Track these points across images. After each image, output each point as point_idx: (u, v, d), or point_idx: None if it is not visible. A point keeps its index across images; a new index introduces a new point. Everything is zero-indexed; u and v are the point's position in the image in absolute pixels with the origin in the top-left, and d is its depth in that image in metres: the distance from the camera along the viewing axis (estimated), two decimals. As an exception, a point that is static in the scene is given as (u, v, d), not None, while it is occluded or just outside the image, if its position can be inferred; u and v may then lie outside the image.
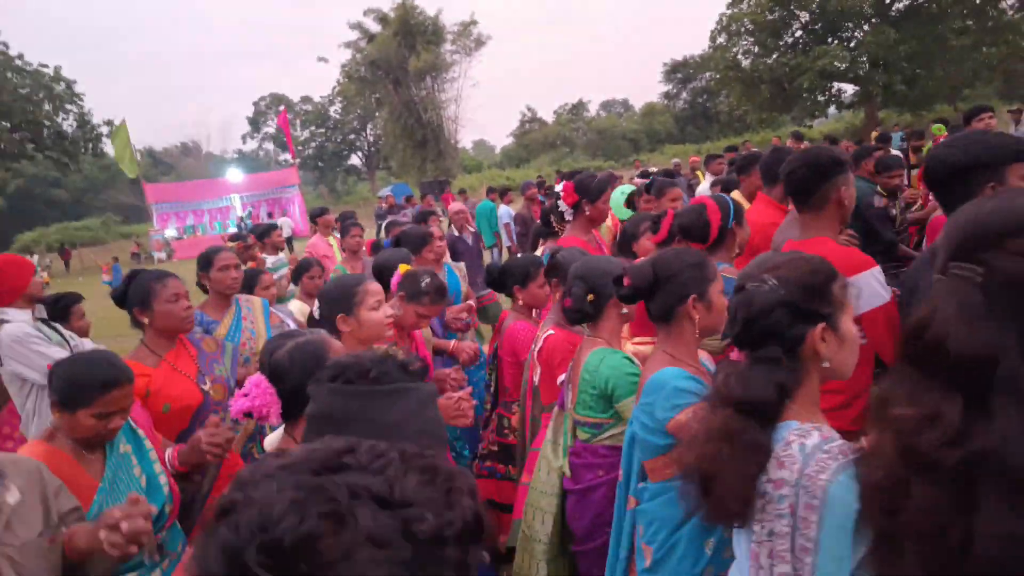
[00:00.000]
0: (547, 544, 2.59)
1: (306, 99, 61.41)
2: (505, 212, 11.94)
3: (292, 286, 5.21)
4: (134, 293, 2.70)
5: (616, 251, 3.60)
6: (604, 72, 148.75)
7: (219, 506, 0.61)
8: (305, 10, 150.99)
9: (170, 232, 32.61)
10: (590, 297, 2.36)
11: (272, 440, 1.95)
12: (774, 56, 31.94)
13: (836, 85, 32.37)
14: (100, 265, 23.04)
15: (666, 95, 58.70)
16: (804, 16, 32.16)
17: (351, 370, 1.18)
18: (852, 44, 31.32)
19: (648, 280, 1.99)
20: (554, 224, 4.13)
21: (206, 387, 2.74)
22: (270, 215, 30.27)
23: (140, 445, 2.17)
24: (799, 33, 32.67)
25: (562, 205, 3.64)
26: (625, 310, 2.41)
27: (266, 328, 3.56)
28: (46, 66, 35.55)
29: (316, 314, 2.43)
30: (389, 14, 42.37)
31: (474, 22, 42.49)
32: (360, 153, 61.51)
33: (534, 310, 3.39)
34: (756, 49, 32.41)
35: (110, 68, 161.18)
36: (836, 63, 29.85)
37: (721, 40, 33.47)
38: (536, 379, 2.91)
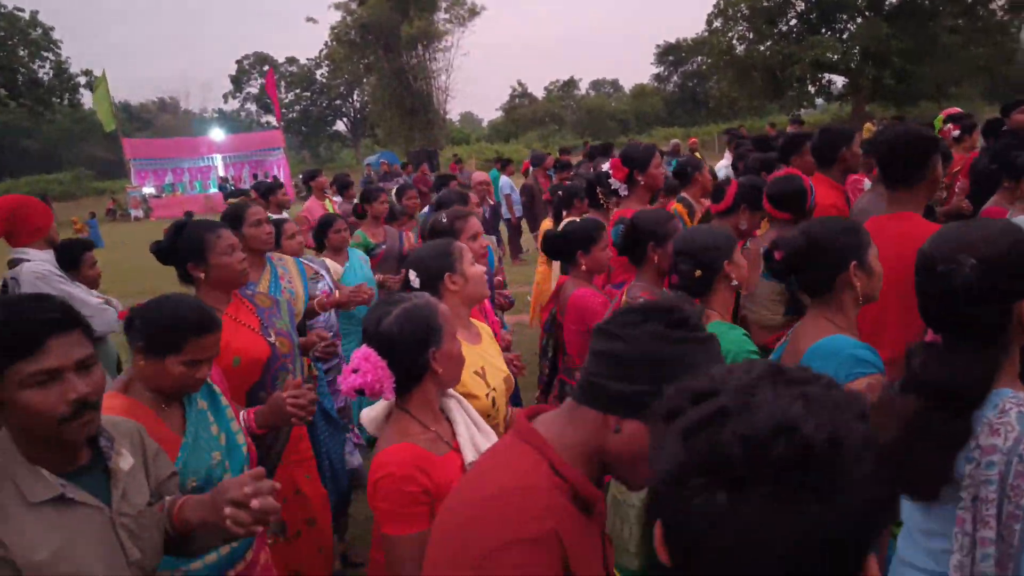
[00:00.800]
0: (639, 508, 2.63)
1: (292, 60, 60.15)
2: (506, 183, 11.84)
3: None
4: (186, 246, 2.51)
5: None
6: (596, 51, 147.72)
7: (692, 398, 0.66)
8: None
9: (148, 189, 31.87)
10: (698, 273, 2.26)
11: (373, 416, 1.81)
12: (768, 43, 32.05)
13: (827, 76, 32.56)
14: (72, 220, 22.39)
15: (657, 77, 58.60)
16: (800, 5, 32.25)
17: (673, 315, 1.11)
18: (845, 36, 31.50)
19: (802, 250, 1.92)
20: (600, 196, 4.15)
21: (272, 339, 2.62)
22: (254, 176, 29.74)
23: (216, 401, 2.05)
24: (794, 22, 32.76)
25: (614, 183, 3.61)
26: (735, 282, 2.33)
27: (303, 285, 3.46)
28: (22, 10, 34.40)
29: (415, 282, 2.26)
30: (383, -23, 41.56)
31: (468, -9, 41.88)
32: (346, 119, 60.54)
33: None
34: (751, 35, 32.46)
35: (88, 17, 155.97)
36: (829, 54, 30.05)
37: (717, 24, 33.43)
38: None
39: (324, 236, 4.48)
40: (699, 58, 51.81)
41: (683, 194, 4.46)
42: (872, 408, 1.45)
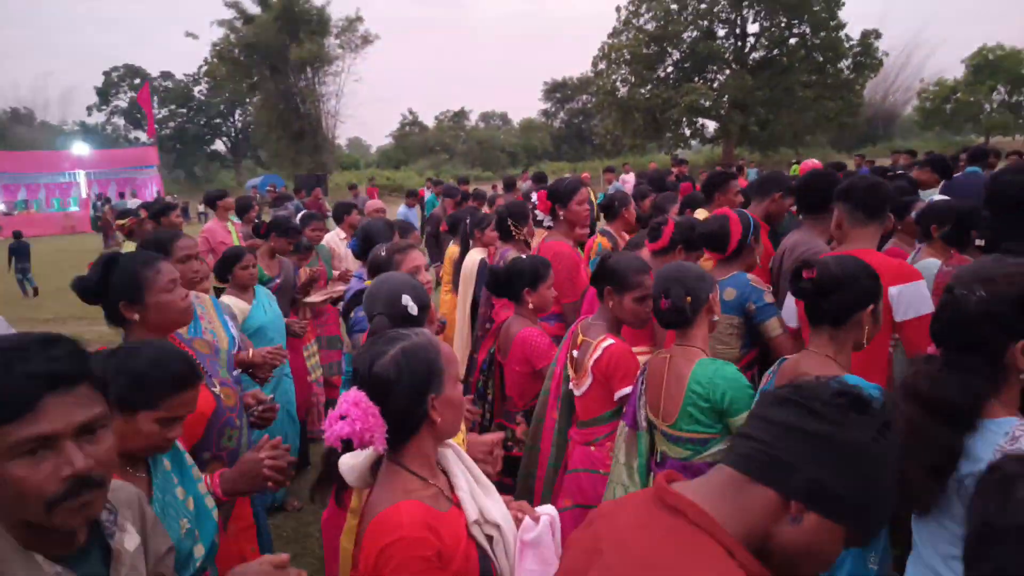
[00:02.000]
0: None
1: (167, 75, 57.00)
2: (401, 212, 11.84)
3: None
4: (119, 283, 2.17)
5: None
6: (485, 84, 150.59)
7: None
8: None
9: (-3, 206, 28.94)
10: (688, 299, 2.27)
11: (354, 464, 1.59)
12: (648, 87, 34.08)
13: (700, 120, 35.04)
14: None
15: (544, 113, 60.57)
16: (676, 54, 34.66)
17: (877, 411, 1.02)
18: (715, 85, 34.10)
19: (836, 278, 1.93)
20: (511, 226, 4.28)
21: (216, 390, 2.32)
22: (121, 195, 27.70)
23: (182, 461, 1.82)
24: (671, 69, 35.12)
25: (539, 214, 3.72)
26: (716, 317, 2.36)
27: (223, 326, 3.19)
28: None
29: (412, 309, 2.19)
30: (271, -2, 40.56)
31: (359, 18, 41.65)
32: (226, 139, 57.97)
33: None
34: (633, 79, 34.36)
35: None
36: (702, 100, 32.42)
37: (602, 66, 35.17)
38: (576, 390, 2.76)
39: (229, 271, 4.01)
40: (584, 96, 54.25)
41: (607, 227, 4.52)
42: None
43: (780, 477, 0.99)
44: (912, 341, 2.45)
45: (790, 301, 2.87)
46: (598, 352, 2.63)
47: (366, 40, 41.94)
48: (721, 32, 34.41)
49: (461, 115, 63.95)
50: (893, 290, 2.44)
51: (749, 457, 1.03)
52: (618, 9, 34.58)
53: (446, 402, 1.51)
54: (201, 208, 23.32)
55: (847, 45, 32.35)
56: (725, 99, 32.79)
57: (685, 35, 33.85)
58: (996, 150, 9.14)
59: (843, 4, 31.82)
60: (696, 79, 33.80)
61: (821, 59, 32.54)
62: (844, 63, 32.82)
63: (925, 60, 79.86)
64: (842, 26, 32.12)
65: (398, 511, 1.40)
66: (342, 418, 1.43)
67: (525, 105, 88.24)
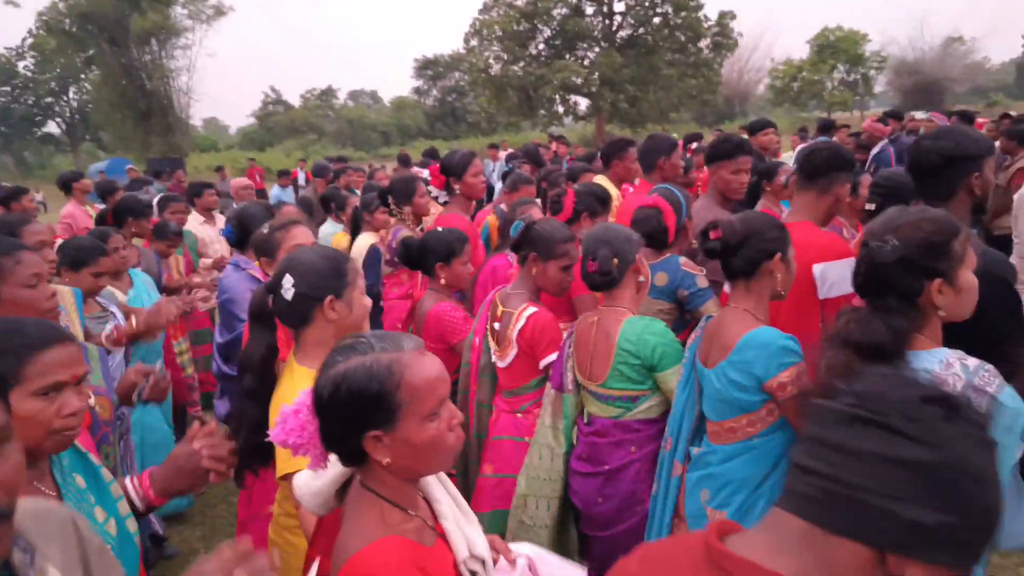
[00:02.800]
0: (551, 529, 2.52)
1: (-16, 48, 50.21)
2: (275, 194, 11.08)
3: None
4: None
5: (500, 239, 3.62)
6: (354, 62, 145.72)
7: None
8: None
9: None
10: (615, 261, 2.31)
11: (316, 489, 1.36)
12: (521, 65, 34.15)
13: (573, 97, 35.62)
14: None
15: (417, 91, 59.38)
16: (546, 31, 34.92)
17: (971, 407, 0.81)
18: (586, 63, 34.73)
19: (738, 234, 2.04)
20: (392, 204, 4.10)
21: (90, 401, 1.95)
22: (-66, 186, 24.15)
23: (97, 476, 1.51)
24: (542, 46, 35.36)
25: (434, 190, 3.64)
26: (643, 278, 2.40)
27: (80, 321, 2.78)
28: None
29: (287, 292, 1.83)
30: (106, -38, 36.51)
31: (211, -13, 38.54)
32: (59, 120, 52.05)
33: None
34: (505, 56, 34.29)
35: None
36: (574, 78, 32.91)
37: (474, 43, 34.82)
38: (500, 362, 2.72)
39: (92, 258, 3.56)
40: (457, 74, 53.63)
41: (500, 205, 4.44)
42: (805, 371, 1.86)
43: (868, 526, 0.76)
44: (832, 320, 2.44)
45: None
46: (521, 321, 2.63)
47: (219, 12, 38.94)
48: (589, 10, 34.95)
49: (329, 93, 61.53)
50: (817, 268, 2.41)
51: (819, 501, 0.80)
52: (488, -16, 34.28)
53: (401, 441, 1.21)
54: (39, 196, 20.75)
55: (706, 26, 33.92)
56: (596, 76, 33.47)
57: (555, 12, 34.08)
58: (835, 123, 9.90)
59: (701, -15, 33.36)
60: (567, 56, 34.23)
61: (683, 39, 33.97)
62: (704, 43, 34.45)
63: (775, 41, 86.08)
64: (700, 7, 33.64)
65: (381, 550, 1.18)
66: (282, 423, 1.26)
67: (396, 83, 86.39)
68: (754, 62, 49.45)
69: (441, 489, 1.39)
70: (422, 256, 3.08)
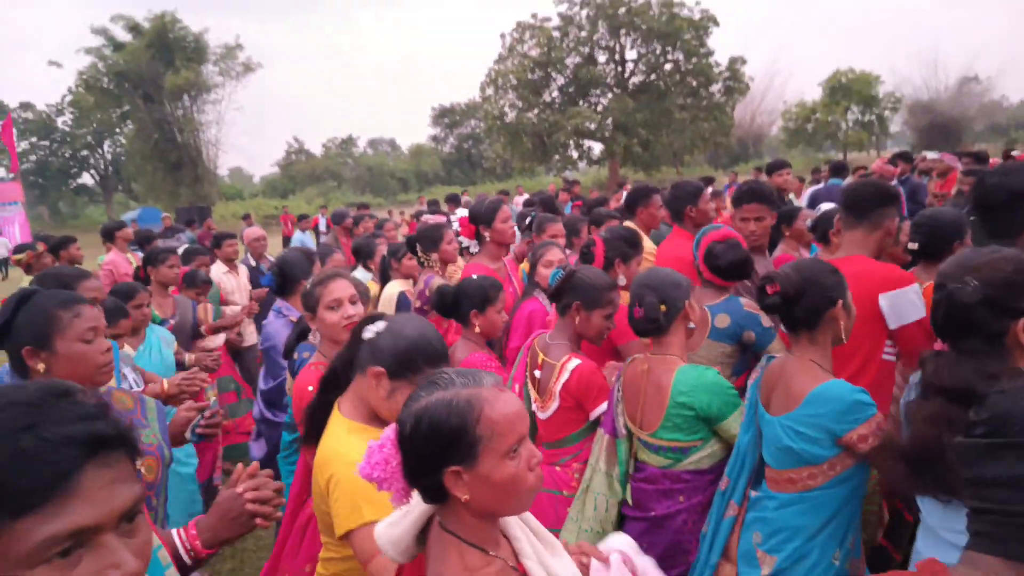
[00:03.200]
0: None
1: (26, 105, 52.47)
2: (297, 239, 11.41)
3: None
4: (27, 324, 1.86)
5: (527, 283, 3.61)
6: (372, 111, 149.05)
7: None
8: (20, 7, 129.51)
9: None
10: (663, 307, 2.25)
11: (395, 537, 1.31)
12: (535, 112, 34.97)
13: (586, 142, 36.32)
14: None
15: (434, 138, 60.77)
16: (560, 79, 35.85)
17: None
18: (599, 108, 35.51)
19: (797, 285, 2.00)
20: (420, 255, 4.17)
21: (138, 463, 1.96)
22: (-24, 236, 25.04)
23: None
24: (556, 94, 36.26)
25: (465, 240, 3.67)
26: (692, 324, 2.33)
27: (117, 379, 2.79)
28: None
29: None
30: (142, 23, 38.38)
31: (239, 46, 40.29)
32: (94, 172, 53.93)
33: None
34: (520, 104, 35.17)
35: None
36: (587, 123, 33.62)
37: (490, 92, 35.78)
38: (541, 412, 2.67)
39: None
40: (473, 121, 54.91)
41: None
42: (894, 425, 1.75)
43: None
44: (907, 348, 2.43)
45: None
46: (565, 374, 2.55)
47: (248, 68, 40.59)
48: (602, 58, 35.89)
49: (349, 142, 63.03)
50: (883, 298, 2.40)
51: (997, 537, 0.90)
52: (503, 36, 35.44)
53: (481, 478, 1.20)
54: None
55: (716, 71, 34.61)
56: (609, 121, 34.13)
57: (568, 61, 35.04)
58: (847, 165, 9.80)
59: (711, 33, 34.15)
60: (581, 103, 35.05)
61: (694, 83, 34.64)
62: (715, 87, 35.05)
63: (785, 84, 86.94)
64: (711, 53, 34.37)
65: None
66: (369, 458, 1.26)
67: (414, 131, 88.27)
68: (766, 105, 50.10)
69: (520, 525, 1.36)
70: (457, 303, 3.01)
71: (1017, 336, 1.58)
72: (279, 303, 3.64)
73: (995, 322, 1.58)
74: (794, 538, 1.95)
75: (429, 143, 61.06)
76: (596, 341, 2.67)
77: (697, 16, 33.91)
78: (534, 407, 2.69)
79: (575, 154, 36.64)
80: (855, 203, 2.61)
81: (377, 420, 1.78)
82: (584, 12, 34.74)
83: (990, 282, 1.58)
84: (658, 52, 34.88)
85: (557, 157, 36.09)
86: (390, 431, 1.26)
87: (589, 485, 2.47)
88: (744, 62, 35.11)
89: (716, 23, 34.14)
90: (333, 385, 1.91)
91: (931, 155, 9.46)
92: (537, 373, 2.67)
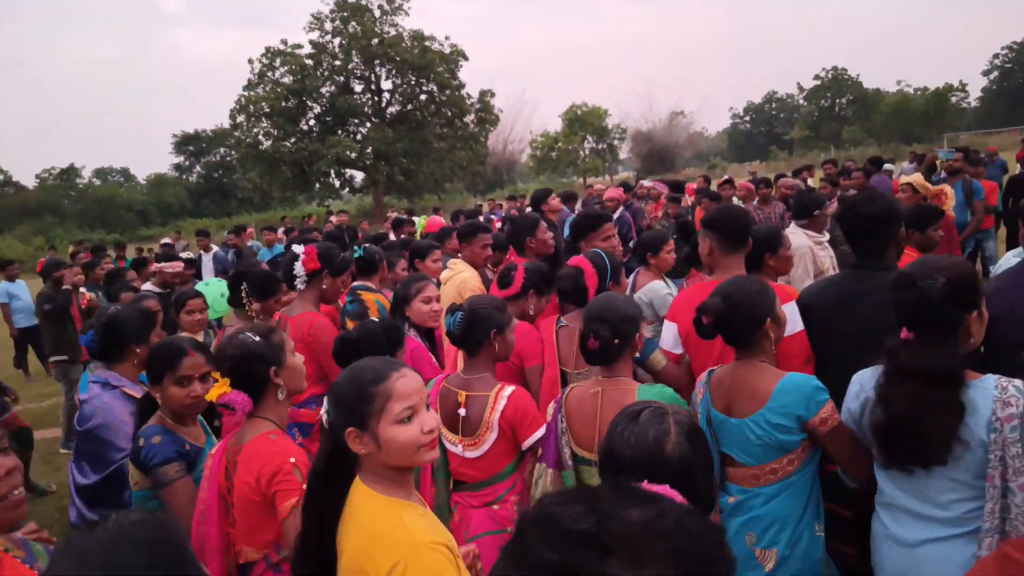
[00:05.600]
0: None
1: None
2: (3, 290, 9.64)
3: None
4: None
5: (392, 314, 3.47)
6: (98, 138, 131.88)
7: None
8: None
9: None
10: (616, 341, 2.29)
11: None
12: (292, 140, 33.79)
13: (348, 171, 35.91)
14: None
15: (177, 167, 55.62)
16: (316, 108, 35.09)
17: None
18: (359, 137, 35.37)
19: (727, 313, 2.17)
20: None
21: None
22: None
23: None
24: (313, 122, 35.40)
25: (299, 269, 3.46)
26: (638, 354, 2.44)
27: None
28: None
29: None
30: None
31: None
32: None
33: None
34: (275, 132, 33.73)
35: None
36: (348, 152, 33.31)
37: (241, 119, 33.81)
38: (472, 452, 2.53)
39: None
40: (223, 149, 51.33)
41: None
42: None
43: None
44: (787, 355, 2.60)
45: (669, 328, 2.97)
46: (502, 402, 2.48)
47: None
48: (358, 88, 35.91)
49: (71, 172, 55.12)
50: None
51: None
52: (251, 61, 33.79)
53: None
54: None
55: (469, 102, 36.46)
56: (369, 150, 34.15)
57: (324, 90, 34.50)
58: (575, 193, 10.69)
59: (461, 66, 35.93)
60: (340, 132, 34.63)
61: (450, 114, 36.12)
62: (469, 118, 36.91)
63: (531, 115, 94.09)
64: (463, 85, 36.16)
65: None
66: None
67: (151, 160, 79.89)
68: (516, 134, 53.82)
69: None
70: (469, 330, 2.69)
71: (969, 326, 1.86)
72: (100, 372, 3.02)
73: (956, 313, 1.84)
74: (787, 526, 2.11)
75: (172, 172, 55.77)
76: (507, 357, 2.69)
77: (447, 50, 35.46)
78: (457, 449, 2.55)
79: (337, 183, 36.05)
80: (729, 230, 2.88)
81: (397, 485, 1.60)
82: (337, 41, 34.53)
83: (954, 279, 1.83)
84: (413, 83, 35.83)
85: (319, 186, 35.19)
86: None
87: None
88: (493, 95, 37.45)
89: (466, 57, 36.04)
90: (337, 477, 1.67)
91: (646, 182, 10.97)
92: (462, 412, 2.53)
